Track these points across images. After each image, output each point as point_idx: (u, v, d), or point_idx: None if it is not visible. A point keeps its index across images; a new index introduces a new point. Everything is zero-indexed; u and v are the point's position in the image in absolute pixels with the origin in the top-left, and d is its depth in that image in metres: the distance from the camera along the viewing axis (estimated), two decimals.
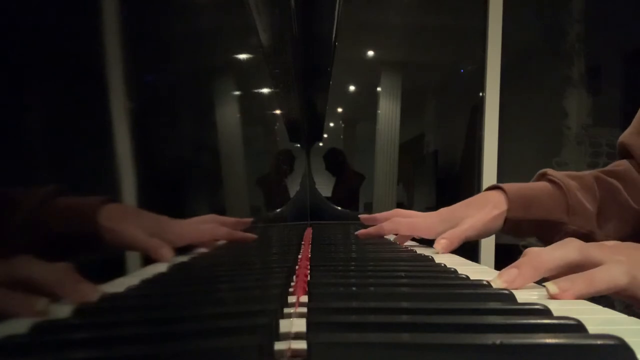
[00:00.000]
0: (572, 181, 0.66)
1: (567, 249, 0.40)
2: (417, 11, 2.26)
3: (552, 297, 0.36)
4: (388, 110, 2.28)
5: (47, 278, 0.41)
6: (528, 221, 0.64)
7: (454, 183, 2.26)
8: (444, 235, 0.63)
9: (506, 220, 0.65)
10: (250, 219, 0.74)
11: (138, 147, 0.67)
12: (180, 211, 0.66)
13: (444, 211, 0.67)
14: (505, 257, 1.70)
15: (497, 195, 0.66)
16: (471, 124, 2.01)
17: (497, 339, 0.19)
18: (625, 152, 0.70)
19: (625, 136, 0.70)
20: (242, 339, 0.20)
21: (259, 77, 1.28)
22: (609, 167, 0.69)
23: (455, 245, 0.63)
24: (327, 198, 1.71)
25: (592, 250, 0.40)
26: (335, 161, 2.15)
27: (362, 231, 0.72)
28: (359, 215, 0.77)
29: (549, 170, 0.68)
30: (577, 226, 0.64)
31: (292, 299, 0.32)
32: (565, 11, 2.08)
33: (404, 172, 2.32)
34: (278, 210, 1.38)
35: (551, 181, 0.67)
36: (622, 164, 0.69)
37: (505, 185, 0.66)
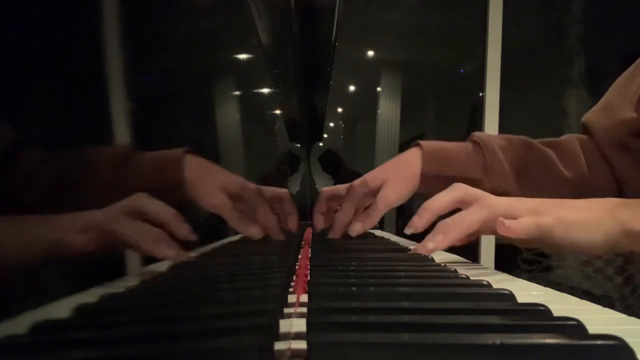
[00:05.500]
0: (497, 141, 0.65)
1: (452, 190, 0.51)
2: (417, 11, 2.25)
3: (432, 250, 0.48)
4: (388, 110, 2.27)
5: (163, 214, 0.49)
6: (442, 178, 0.61)
7: None
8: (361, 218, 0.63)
9: (421, 177, 0.63)
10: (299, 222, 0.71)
11: (139, 148, 0.67)
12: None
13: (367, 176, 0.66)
14: (505, 257, 1.70)
15: (413, 152, 0.64)
16: (471, 124, 2.01)
17: (497, 339, 0.19)
18: (586, 131, 0.69)
19: (587, 115, 0.69)
20: (242, 339, 0.20)
21: (259, 77, 1.28)
22: (550, 139, 0.69)
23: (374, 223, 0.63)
24: None
25: (471, 188, 0.50)
26: (331, 162, 2.15)
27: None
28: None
29: (476, 133, 0.67)
30: (494, 185, 0.62)
31: (292, 298, 0.32)
32: (565, 11, 2.08)
33: None
34: None
35: (473, 141, 0.66)
36: (565, 136, 0.69)
37: (423, 142, 0.64)
